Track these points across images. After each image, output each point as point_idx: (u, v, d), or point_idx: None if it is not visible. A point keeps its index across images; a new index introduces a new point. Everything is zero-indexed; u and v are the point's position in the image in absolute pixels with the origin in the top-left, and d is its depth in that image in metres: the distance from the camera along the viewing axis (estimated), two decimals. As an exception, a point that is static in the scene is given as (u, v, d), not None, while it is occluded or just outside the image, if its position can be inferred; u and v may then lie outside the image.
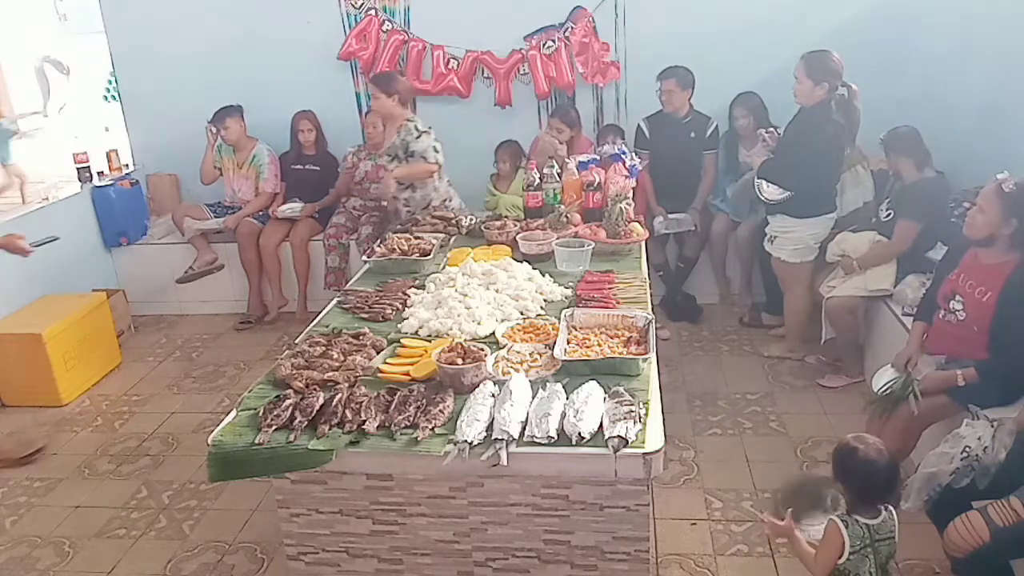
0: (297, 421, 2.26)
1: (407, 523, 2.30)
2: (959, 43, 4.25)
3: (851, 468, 2.04)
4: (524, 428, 2.15)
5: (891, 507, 2.05)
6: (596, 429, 2.13)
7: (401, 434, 2.20)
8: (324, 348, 2.72)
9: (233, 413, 2.40)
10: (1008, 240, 2.76)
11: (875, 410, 3.01)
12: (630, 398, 2.24)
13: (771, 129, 4.08)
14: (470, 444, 2.09)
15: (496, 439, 2.10)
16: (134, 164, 5.67)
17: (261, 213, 5.21)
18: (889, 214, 3.83)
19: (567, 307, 2.91)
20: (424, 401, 2.31)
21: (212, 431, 2.33)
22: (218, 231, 5.16)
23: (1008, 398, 2.74)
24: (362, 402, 2.31)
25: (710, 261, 4.96)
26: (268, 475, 2.31)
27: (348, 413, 2.27)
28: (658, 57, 4.65)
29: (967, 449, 2.45)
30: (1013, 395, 2.75)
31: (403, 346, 2.73)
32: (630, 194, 3.76)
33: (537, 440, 2.11)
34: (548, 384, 2.33)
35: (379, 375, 2.56)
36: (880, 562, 2.02)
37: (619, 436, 2.06)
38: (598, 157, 4.18)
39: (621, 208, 3.61)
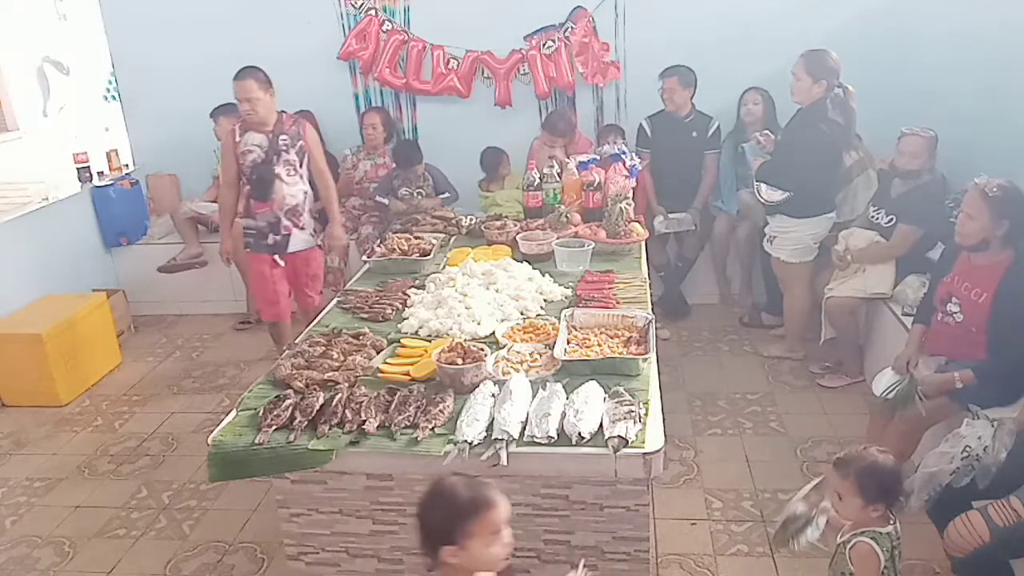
0: (297, 421, 2.26)
1: (407, 523, 2.29)
2: (959, 43, 4.24)
3: (887, 481, 1.98)
4: (524, 428, 2.15)
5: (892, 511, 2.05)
6: (596, 429, 2.13)
7: (401, 434, 2.20)
8: (324, 348, 2.72)
9: (233, 413, 2.40)
10: (1000, 241, 2.77)
11: (881, 414, 3.00)
12: (630, 398, 2.24)
13: (767, 132, 4.08)
14: (470, 444, 2.09)
15: (496, 439, 2.10)
16: (134, 164, 5.67)
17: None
18: (891, 220, 3.81)
19: (567, 307, 2.91)
20: (424, 401, 2.31)
21: (212, 431, 2.33)
22: (216, 226, 5.16)
23: (1008, 398, 2.74)
24: (362, 402, 2.31)
25: (711, 261, 4.96)
26: (268, 475, 2.31)
27: (348, 413, 2.27)
28: (658, 57, 4.65)
29: (967, 449, 2.45)
30: (1013, 395, 2.75)
31: (403, 346, 2.73)
32: (630, 194, 3.77)
33: (537, 440, 2.11)
34: (548, 384, 2.33)
35: (379, 375, 2.56)
36: (897, 567, 2.01)
37: (619, 436, 2.06)
38: (598, 157, 4.18)
39: (621, 208, 3.62)
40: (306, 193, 3.90)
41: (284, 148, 3.82)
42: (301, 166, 3.86)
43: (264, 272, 3.93)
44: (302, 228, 3.90)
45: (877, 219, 3.88)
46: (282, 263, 3.91)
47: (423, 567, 1.72)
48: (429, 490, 1.71)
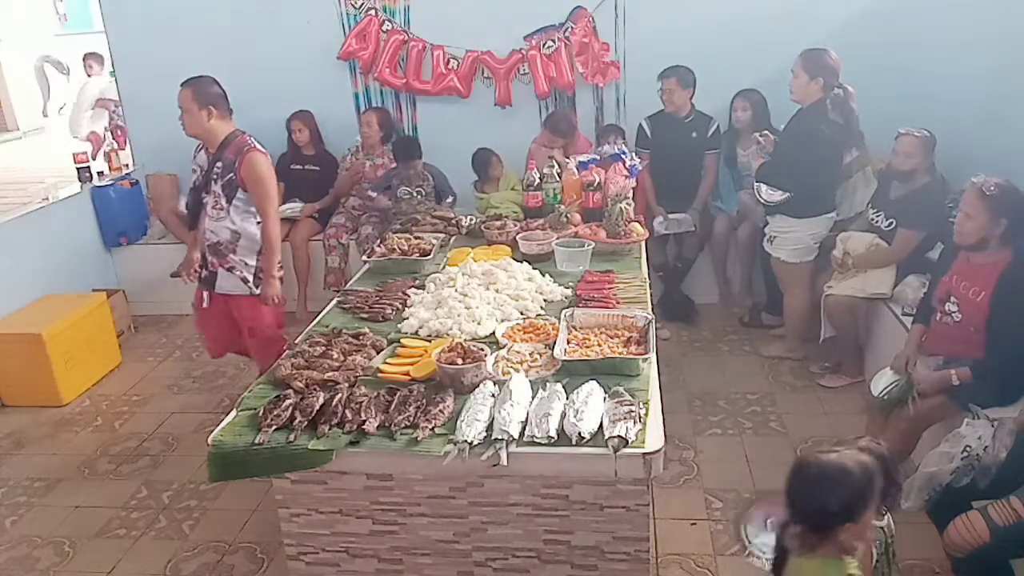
0: (297, 421, 2.27)
1: (407, 523, 2.30)
2: (960, 43, 4.25)
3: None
4: (524, 428, 2.15)
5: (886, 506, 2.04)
6: (596, 429, 2.13)
7: (401, 434, 2.20)
8: (324, 348, 2.72)
9: (233, 413, 2.41)
10: (998, 240, 2.77)
11: (876, 414, 3.00)
12: (630, 398, 2.24)
13: (766, 132, 4.08)
14: (470, 444, 2.10)
15: (496, 439, 2.10)
16: (134, 164, 5.67)
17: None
18: (891, 223, 3.80)
19: (567, 307, 2.91)
20: (424, 401, 2.31)
21: (212, 431, 2.33)
22: None
23: (1008, 398, 2.74)
24: (362, 402, 2.31)
25: (710, 261, 4.96)
26: (268, 475, 2.32)
27: (348, 413, 2.27)
28: (658, 57, 4.65)
29: (967, 448, 2.45)
30: (1012, 394, 2.75)
31: (403, 346, 2.73)
32: (630, 194, 3.76)
33: (537, 440, 2.11)
34: (548, 384, 2.33)
35: (379, 375, 2.56)
36: (891, 563, 2.01)
37: (619, 436, 2.06)
38: (598, 157, 4.17)
39: (621, 208, 3.62)
40: (236, 233, 3.34)
41: (215, 177, 3.33)
42: (230, 202, 3.31)
43: (197, 304, 3.57)
44: (229, 270, 3.39)
45: (877, 222, 3.87)
46: (206, 301, 3.49)
47: (801, 548, 1.67)
48: (815, 475, 1.66)
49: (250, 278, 3.39)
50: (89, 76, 6.87)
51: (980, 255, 2.83)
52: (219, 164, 3.31)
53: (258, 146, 3.33)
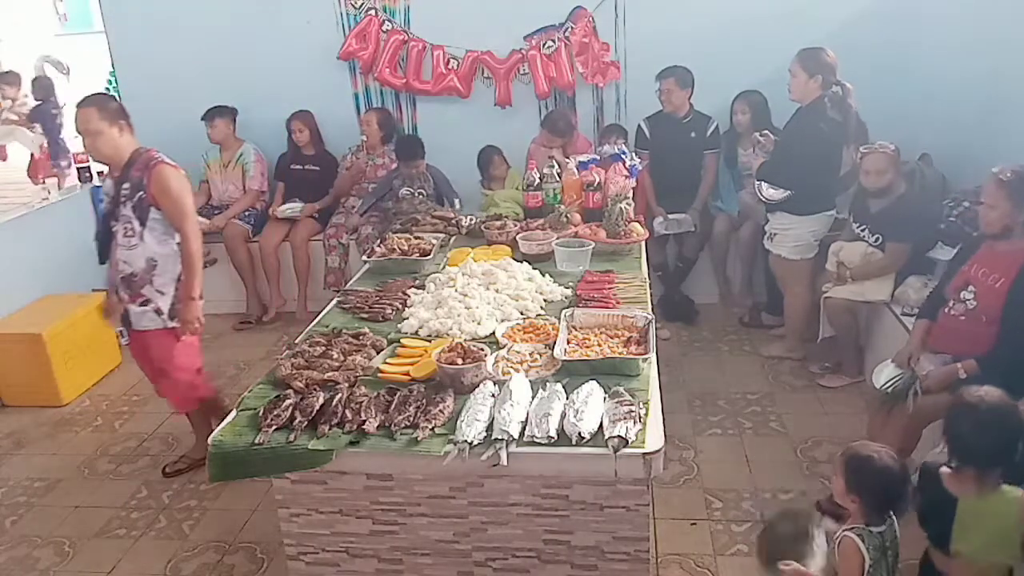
0: (297, 421, 2.26)
1: (407, 523, 2.30)
2: (960, 43, 4.25)
3: (868, 478, 1.98)
4: (524, 428, 2.15)
5: (894, 513, 2.04)
6: (596, 429, 2.13)
7: (401, 434, 2.20)
8: (324, 348, 2.72)
9: (233, 413, 2.40)
10: (1022, 227, 2.78)
11: (879, 407, 3.00)
12: (630, 398, 2.24)
13: (766, 132, 4.08)
14: (470, 444, 2.09)
15: (496, 439, 2.10)
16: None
17: (247, 213, 5.21)
18: (878, 238, 3.77)
19: (567, 307, 2.91)
20: (424, 401, 2.31)
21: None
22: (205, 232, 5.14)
23: (1012, 395, 2.73)
24: (362, 402, 2.31)
25: (710, 261, 4.96)
26: (268, 475, 2.31)
27: (348, 413, 2.27)
28: (658, 57, 4.65)
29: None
30: (1017, 391, 2.74)
31: (403, 346, 2.73)
32: (630, 194, 3.76)
33: (537, 440, 2.11)
34: (548, 384, 2.33)
35: (379, 375, 2.56)
36: (889, 567, 2.01)
37: (619, 436, 2.06)
38: (598, 157, 4.17)
39: (621, 208, 3.62)
40: (151, 261, 3.09)
41: (122, 200, 3.04)
42: (143, 225, 3.04)
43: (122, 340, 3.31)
44: (144, 304, 3.12)
45: (863, 236, 3.84)
46: (124, 337, 3.20)
47: (980, 488, 1.79)
48: (989, 415, 1.79)
49: (165, 309, 3.13)
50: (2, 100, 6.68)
51: (1004, 243, 2.84)
52: (126, 185, 3.04)
53: (167, 160, 3.10)
